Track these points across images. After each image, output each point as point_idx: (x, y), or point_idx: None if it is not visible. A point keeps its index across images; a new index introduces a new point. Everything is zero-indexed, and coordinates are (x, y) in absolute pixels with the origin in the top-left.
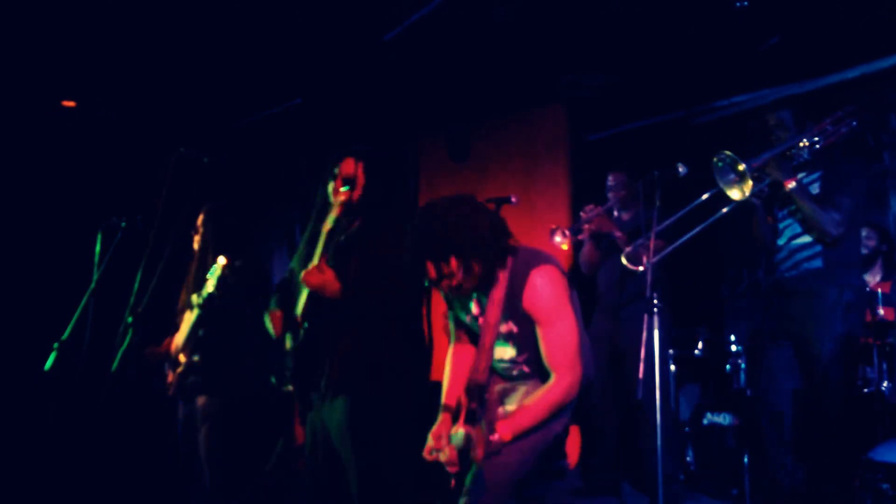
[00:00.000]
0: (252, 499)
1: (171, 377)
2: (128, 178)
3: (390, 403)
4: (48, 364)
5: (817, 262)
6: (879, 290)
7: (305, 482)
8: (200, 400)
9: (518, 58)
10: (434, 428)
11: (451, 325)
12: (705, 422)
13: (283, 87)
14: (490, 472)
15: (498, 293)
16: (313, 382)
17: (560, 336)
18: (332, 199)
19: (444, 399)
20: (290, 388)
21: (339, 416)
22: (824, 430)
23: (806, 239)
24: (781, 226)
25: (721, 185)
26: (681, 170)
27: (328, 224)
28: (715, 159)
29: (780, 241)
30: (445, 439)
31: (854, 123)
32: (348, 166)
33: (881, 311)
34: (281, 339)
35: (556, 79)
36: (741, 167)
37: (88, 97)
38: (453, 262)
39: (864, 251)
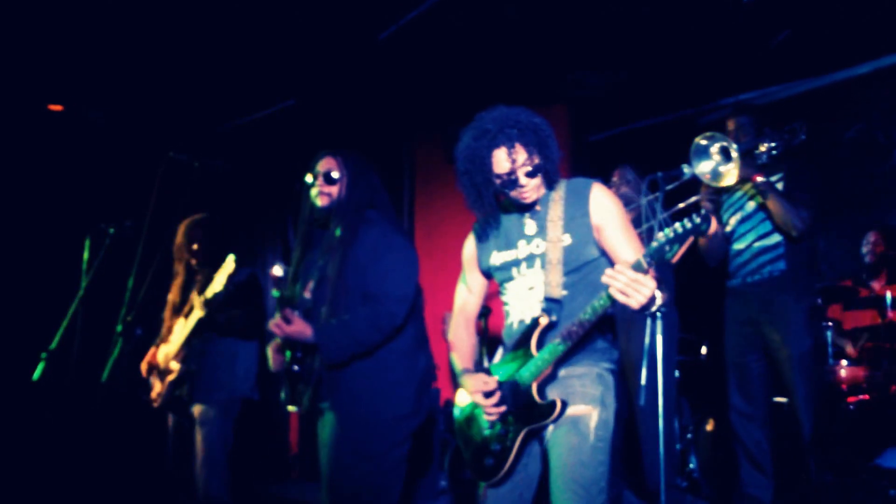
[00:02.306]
0: None
1: (157, 388)
2: (117, 183)
3: (382, 423)
4: (37, 374)
5: (781, 265)
6: (889, 294)
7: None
8: (196, 408)
9: (518, 56)
10: (472, 388)
11: (462, 295)
12: (709, 428)
13: (276, 88)
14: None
15: (555, 213)
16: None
17: (634, 238)
18: (311, 202)
19: (462, 365)
20: (295, 409)
21: (329, 431)
22: (803, 441)
23: (769, 241)
24: (741, 230)
25: (696, 168)
26: (686, 171)
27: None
28: (699, 138)
29: (740, 246)
30: (490, 382)
31: (803, 136)
32: (324, 163)
33: (890, 315)
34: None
35: (557, 78)
36: (723, 144)
37: (77, 101)
38: (521, 152)
39: (870, 258)
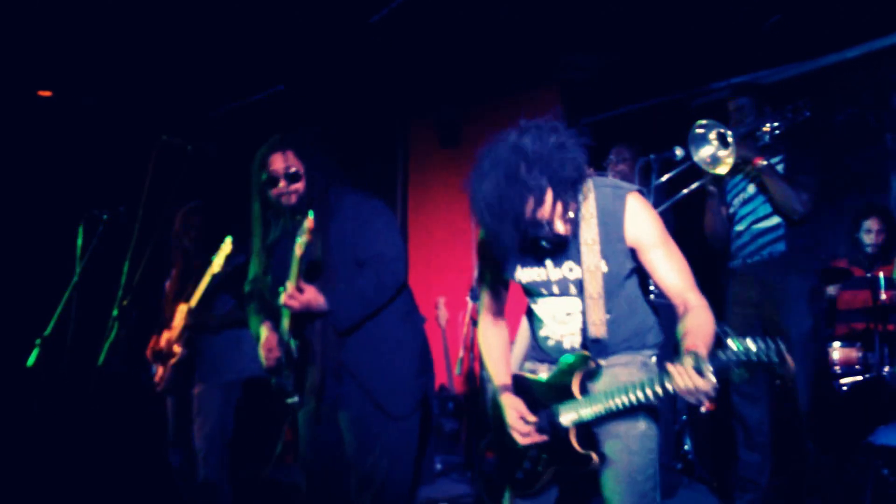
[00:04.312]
0: (245, 489)
1: (160, 373)
2: (109, 168)
3: (396, 405)
4: (31, 360)
5: (780, 246)
6: (881, 274)
7: (300, 477)
8: (196, 389)
9: (510, 39)
10: (509, 416)
11: (485, 294)
12: (703, 410)
13: (269, 72)
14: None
15: (589, 234)
16: (313, 389)
17: (677, 256)
18: (275, 201)
19: (499, 381)
20: (295, 399)
21: (348, 417)
22: (801, 422)
23: (768, 223)
24: (742, 212)
25: (694, 155)
26: (678, 153)
27: (300, 247)
28: (696, 125)
29: (741, 227)
30: (528, 416)
31: (808, 113)
32: (278, 161)
33: (883, 296)
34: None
35: (549, 61)
36: (720, 130)
37: (68, 86)
38: (549, 204)
39: (871, 249)
